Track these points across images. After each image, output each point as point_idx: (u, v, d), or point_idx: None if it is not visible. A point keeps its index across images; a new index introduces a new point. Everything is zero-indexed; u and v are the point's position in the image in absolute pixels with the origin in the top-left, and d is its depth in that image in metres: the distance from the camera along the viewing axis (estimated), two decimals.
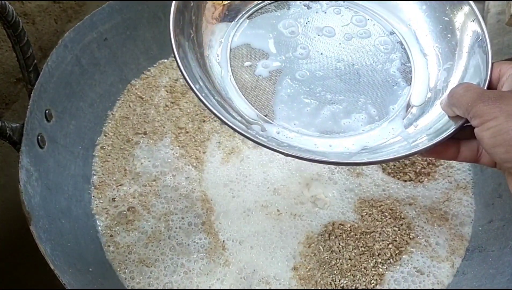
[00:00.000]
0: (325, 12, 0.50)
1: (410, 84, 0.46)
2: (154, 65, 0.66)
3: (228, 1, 0.49)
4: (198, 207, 0.54)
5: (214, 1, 0.48)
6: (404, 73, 0.47)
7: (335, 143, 0.43)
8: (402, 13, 0.49)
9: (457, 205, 0.56)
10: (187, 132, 0.59)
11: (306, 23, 0.49)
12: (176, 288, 0.49)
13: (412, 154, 0.38)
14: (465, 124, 0.37)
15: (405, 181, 0.57)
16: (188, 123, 0.60)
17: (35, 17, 0.71)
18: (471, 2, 0.45)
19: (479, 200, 0.56)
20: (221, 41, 0.47)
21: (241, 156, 0.58)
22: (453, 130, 0.38)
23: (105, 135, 0.59)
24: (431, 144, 0.38)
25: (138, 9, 0.62)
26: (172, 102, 0.62)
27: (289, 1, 0.50)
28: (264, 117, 0.43)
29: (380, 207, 0.55)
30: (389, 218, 0.54)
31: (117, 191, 0.55)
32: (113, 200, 0.54)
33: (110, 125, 0.60)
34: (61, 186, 0.51)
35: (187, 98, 0.62)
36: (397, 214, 0.54)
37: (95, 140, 0.58)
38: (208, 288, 0.49)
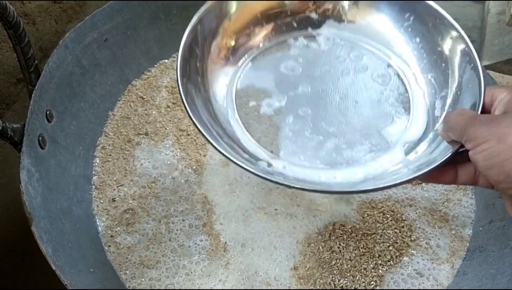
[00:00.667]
0: (323, 51, 0.53)
1: (409, 113, 0.48)
2: (155, 65, 0.66)
3: (232, 45, 0.51)
4: (198, 209, 0.54)
5: (219, 43, 0.50)
6: (402, 103, 0.49)
7: (339, 174, 0.45)
8: (397, 47, 0.52)
9: (457, 206, 0.56)
10: (189, 135, 0.59)
11: (306, 62, 0.52)
12: (178, 289, 0.49)
13: (412, 180, 0.40)
14: (461, 149, 0.38)
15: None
16: (189, 125, 0.60)
17: (36, 17, 0.71)
18: (459, 28, 0.47)
19: (479, 200, 0.56)
20: (226, 84, 0.50)
21: None
22: (450, 154, 0.39)
23: (106, 136, 0.59)
24: (429, 169, 0.39)
25: (139, 10, 0.62)
26: (174, 103, 0.62)
27: (289, 41, 0.53)
28: (270, 153, 0.45)
29: (381, 208, 0.55)
30: (390, 220, 0.54)
31: (118, 191, 0.55)
32: (113, 200, 0.54)
33: (111, 125, 0.60)
34: (62, 187, 0.51)
35: None
36: (398, 215, 0.54)
37: (96, 140, 0.58)
38: (210, 289, 0.49)
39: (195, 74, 0.47)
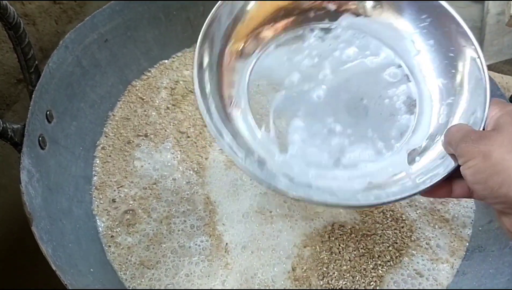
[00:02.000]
0: (337, 45, 0.52)
1: (415, 118, 0.48)
2: (155, 66, 0.66)
3: (242, 46, 0.51)
4: (200, 209, 0.54)
5: (230, 49, 0.50)
6: (409, 106, 0.49)
7: (341, 175, 0.45)
8: (411, 46, 0.51)
9: (456, 206, 0.56)
10: (189, 137, 0.59)
11: (320, 55, 0.51)
12: (178, 288, 0.49)
13: (415, 194, 0.41)
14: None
15: None
16: (189, 127, 0.60)
17: (36, 18, 0.71)
18: (473, 38, 0.46)
19: (478, 201, 0.56)
20: (240, 74, 0.50)
21: None
22: (451, 168, 0.40)
23: (106, 136, 0.59)
24: (432, 183, 0.40)
25: (139, 10, 0.62)
26: (173, 105, 0.62)
27: (305, 32, 0.52)
28: (279, 153, 0.46)
29: (381, 208, 0.55)
30: (390, 220, 0.54)
31: (118, 192, 0.55)
32: (114, 201, 0.54)
33: (111, 126, 0.60)
34: (62, 187, 0.51)
35: (188, 100, 0.63)
36: (398, 215, 0.54)
37: (96, 141, 0.58)
38: (209, 289, 0.49)
39: (209, 66, 0.47)
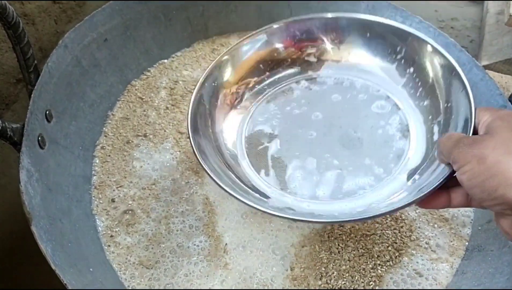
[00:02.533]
0: (324, 91, 0.56)
1: (409, 141, 0.51)
2: (154, 65, 0.66)
3: (235, 91, 0.56)
4: (199, 210, 0.54)
5: (225, 92, 0.55)
6: (402, 131, 0.52)
7: (345, 206, 0.47)
8: (394, 77, 0.55)
9: None
10: (188, 138, 0.59)
11: (309, 103, 0.55)
12: (177, 288, 0.49)
13: (411, 204, 0.41)
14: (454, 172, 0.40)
15: None
16: None
17: (35, 17, 0.71)
18: (446, 54, 0.50)
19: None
20: (236, 131, 0.54)
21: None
22: (446, 175, 0.41)
23: (105, 136, 0.59)
24: (428, 191, 0.40)
25: (138, 10, 0.62)
26: (173, 105, 0.62)
27: (291, 85, 0.57)
28: (280, 191, 0.49)
29: None
30: (390, 220, 0.54)
31: (117, 192, 0.55)
32: (113, 201, 0.54)
33: (110, 125, 0.60)
34: (61, 187, 0.51)
35: (187, 101, 0.62)
36: (398, 215, 0.54)
37: (95, 140, 0.58)
38: (208, 289, 0.49)
39: (204, 128, 0.51)
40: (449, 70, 0.49)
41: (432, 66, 0.52)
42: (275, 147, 0.52)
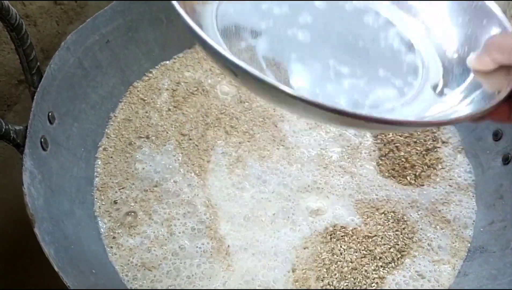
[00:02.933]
0: None
1: (421, 53, 0.42)
2: (156, 67, 0.66)
3: None
4: (201, 212, 0.54)
5: None
6: (408, 46, 0.43)
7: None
8: None
9: (458, 207, 0.56)
10: (190, 139, 0.59)
11: (289, 6, 0.43)
12: (180, 288, 0.49)
13: (475, 115, 0.34)
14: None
15: (405, 185, 0.57)
16: (191, 130, 0.60)
17: (37, 19, 0.71)
18: None
19: (480, 201, 0.56)
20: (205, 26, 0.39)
21: (246, 166, 0.57)
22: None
23: (108, 137, 0.59)
24: (489, 106, 0.33)
25: (140, 11, 0.62)
26: (175, 107, 0.62)
27: None
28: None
29: (382, 209, 0.55)
30: (392, 222, 0.54)
31: (120, 193, 0.55)
32: (115, 202, 0.54)
33: (112, 127, 0.60)
34: (64, 188, 0.51)
35: (190, 103, 0.63)
36: (400, 217, 0.54)
37: (97, 142, 0.58)
38: (210, 289, 0.49)
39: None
40: None
41: None
42: (264, 46, 0.39)
